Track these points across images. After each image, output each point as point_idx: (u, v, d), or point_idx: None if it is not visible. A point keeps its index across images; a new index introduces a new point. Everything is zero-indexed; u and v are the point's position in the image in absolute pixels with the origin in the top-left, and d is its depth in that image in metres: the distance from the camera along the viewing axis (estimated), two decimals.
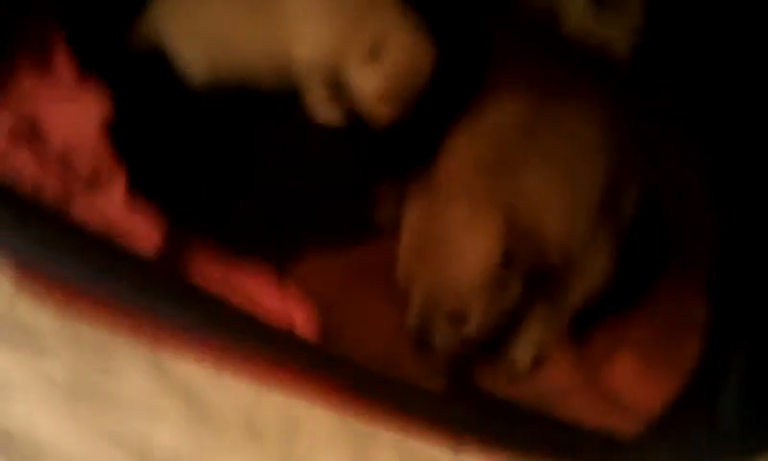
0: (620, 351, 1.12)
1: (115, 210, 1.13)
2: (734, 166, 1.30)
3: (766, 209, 1.19)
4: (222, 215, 1.29)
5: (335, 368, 0.99)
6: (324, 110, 1.51)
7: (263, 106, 1.48)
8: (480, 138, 1.04)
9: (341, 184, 1.37)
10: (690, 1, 1.54)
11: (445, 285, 0.92)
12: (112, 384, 1.01)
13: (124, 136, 1.27)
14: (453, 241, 0.92)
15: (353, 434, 1.03)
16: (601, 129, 1.05)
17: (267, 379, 1.04)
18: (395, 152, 1.39)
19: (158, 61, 1.48)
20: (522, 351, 1.07)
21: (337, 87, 1.48)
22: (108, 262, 1.02)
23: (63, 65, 1.31)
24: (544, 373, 1.09)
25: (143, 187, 1.22)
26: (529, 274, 0.94)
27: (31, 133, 1.20)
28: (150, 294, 1.01)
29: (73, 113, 1.26)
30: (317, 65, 1.47)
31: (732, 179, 1.28)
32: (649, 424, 1.01)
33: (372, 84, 1.39)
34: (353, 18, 1.42)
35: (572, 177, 1.00)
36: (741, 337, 1.04)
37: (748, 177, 1.26)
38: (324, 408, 1.03)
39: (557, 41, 1.69)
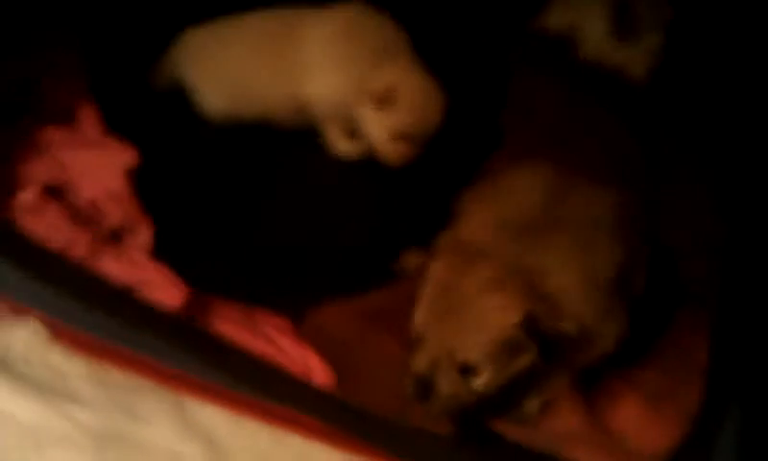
0: (626, 396, 1.16)
1: (142, 261, 1.19)
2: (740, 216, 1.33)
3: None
4: (241, 262, 1.34)
5: (347, 418, 1.04)
6: (341, 145, 1.57)
7: (280, 146, 1.55)
8: (503, 202, 1.09)
9: (358, 231, 1.43)
10: (706, 28, 1.58)
11: (463, 338, 0.96)
12: (139, 430, 1.07)
13: (148, 187, 1.35)
14: (476, 299, 0.96)
15: None
16: (618, 213, 1.10)
17: (283, 424, 1.09)
18: (415, 209, 1.44)
19: (178, 99, 1.56)
20: (531, 401, 1.11)
21: (353, 123, 1.54)
22: (133, 317, 1.09)
23: (89, 120, 1.39)
24: (553, 417, 1.13)
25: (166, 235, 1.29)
26: (544, 341, 0.97)
27: (60, 188, 1.27)
28: (173, 346, 1.08)
29: (99, 164, 1.33)
30: (333, 106, 1.53)
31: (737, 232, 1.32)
32: None
33: (382, 129, 1.45)
34: (368, 66, 1.48)
35: (590, 254, 1.04)
36: (738, 389, 1.07)
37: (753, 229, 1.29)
38: (337, 451, 1.08)
39: (574, 70, 1.73)
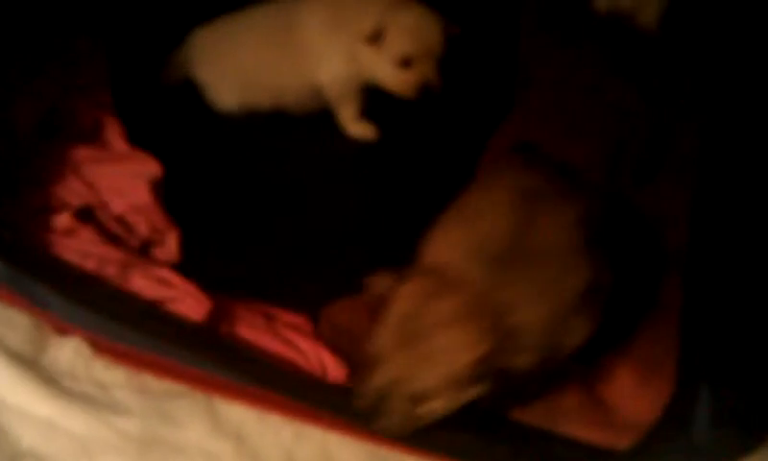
0: (618, 368, 1.24)
1: (168, 277, 1.30)
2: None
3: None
4: (261, 261, 1.44)
5: None
6: (355, 127, 1.64)
7: (294, 134, 1.62)
8: (471, 228, 1.13)
9: (374, 217, 1.53)
10: None
11: (422, 368, 1.01)
12: (175, 432, 1.18)
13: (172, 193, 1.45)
14: (439, 331, 1.01)
15: None
16: (585, 227, 1.13)
17: (305, 419, 1.20)
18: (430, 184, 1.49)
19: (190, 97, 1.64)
20: None
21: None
22: (162, 329, 1.20)
23: (114, 135, 1.49)
24: (548, 393, 1.22)
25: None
26: (500, 374, 1.03)
27: (91, 207, 1.37)
28: (199, 354, 1.19)
29: (126, 179, 1.44)
30: (343, 86, 1.60)
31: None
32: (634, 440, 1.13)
33: (385, 63, 1.51)
34: (355, 23, 1.53)
35: (559, 282, 1.08)
36: (711, 365, 1.14)
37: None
38: (356, 442, 1.19)
39: (587, 26, 1.75)
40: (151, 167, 1.45)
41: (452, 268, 1.06)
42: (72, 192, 1.38)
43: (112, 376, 1.24)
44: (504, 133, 1.64)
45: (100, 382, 1.23)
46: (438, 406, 1.02)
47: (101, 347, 1.25)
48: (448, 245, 1.13)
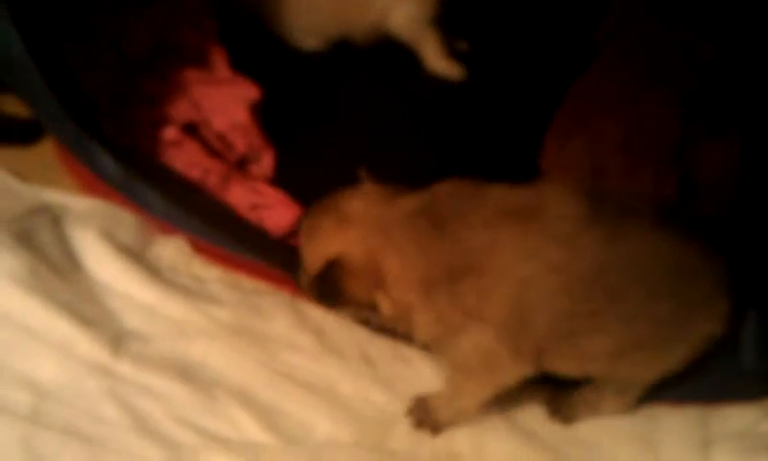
0: None
1: (262, 188, 1.41)
2: None
3: None
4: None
5: None
6: (441, 63, 1.69)
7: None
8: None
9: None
10: None
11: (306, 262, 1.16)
12: (264, 324, 1.30)
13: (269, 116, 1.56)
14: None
15: None
16: None
17: None
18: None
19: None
20: None
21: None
22: (254, 239, 1.32)
23: (219, 61, 1.60)
24: None
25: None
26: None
27: (196, 123, 1.50)
28: (286, 264, 1.29)
29: (228, 100, 1.55)
30: (425, 24, 1.66)
31: None
32: None
33: None
34: None
35: None
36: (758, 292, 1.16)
37: None
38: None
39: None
40: (250, 91, 1.56)
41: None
42: (179, 109, 1.51)
43: (208, 273, 1.36)
44: (582, 85, 1.66)
45: (197, 277, 1.35)
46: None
47: (199, 248, 1.37)
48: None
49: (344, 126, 1.64)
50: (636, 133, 1.52)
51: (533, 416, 1.25)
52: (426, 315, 1.10)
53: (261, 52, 1.70)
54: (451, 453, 1.19)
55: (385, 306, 1.12)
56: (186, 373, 1.22)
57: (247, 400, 1.19)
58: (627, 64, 1.62)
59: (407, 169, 1.42)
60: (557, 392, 1.25)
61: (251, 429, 1.16)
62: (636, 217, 1.07)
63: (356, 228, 1.10)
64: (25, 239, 1.30)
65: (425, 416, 1.20)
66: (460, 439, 1.20)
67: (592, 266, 1.03)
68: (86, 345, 1.21)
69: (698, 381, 1.19)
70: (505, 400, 1.22)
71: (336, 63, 1.73)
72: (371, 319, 1.17)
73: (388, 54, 1.72)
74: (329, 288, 1.11)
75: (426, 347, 1.22)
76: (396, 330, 1.19)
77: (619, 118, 1.54)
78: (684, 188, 1.47)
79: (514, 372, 1.11)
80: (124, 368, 1.21)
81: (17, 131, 1.54)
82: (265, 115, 1.56)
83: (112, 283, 1.30)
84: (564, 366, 1.12)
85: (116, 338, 1.24)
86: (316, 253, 1.12)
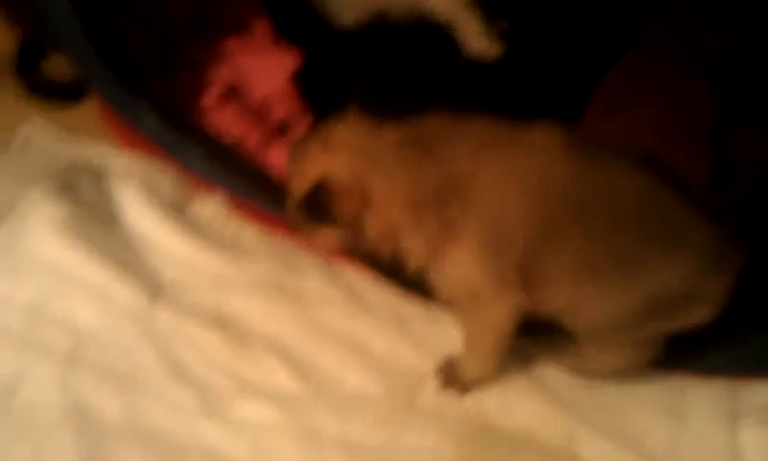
0: None
1: None
2: None
3: None
4: None
5: None
6: (479, 41, 1.70)
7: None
8: None
9: None
10: None
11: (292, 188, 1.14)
12: (298, 280, 1.33)
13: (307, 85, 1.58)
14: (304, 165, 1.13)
15: None
16: None
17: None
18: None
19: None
20: None
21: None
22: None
23: (261, 29, 1.63)
24: None
25: None
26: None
27: (237, 89, 1.53)
28: None
29: (269, 67, 1.57)
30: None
31: None
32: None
33: None
34: None
35: None
36: None
37: None
38: None
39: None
40: (291, 59, 1.58)
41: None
42: (221, 75, 1.53)
43: (246, 231, 1.39)
44: (624, 65, 1.67)
45: (235, 234, 1.38)
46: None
47: (237, 206, 1.40)
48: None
49: (379, 100, 1.64)
50: (675, 115, 1.52)
51: (561, 379, 1.25)
52: (414, 238, 1.11)
53: (302, 22, 1.71)
54: (479, 412, 1.20)
55: (371, 226, 1.11)
56: (221, 323, 1.25)
57: (280, 351, 1.22)
58: (668, 47, 1.62)
59: None
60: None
61: (283, 378, 1.19)
62: (618, 156, 1.10)
63: (342, 151, 1.11)
64: (68, 191, 1.34)
65: (453, 376, 1.21)
66: (488, 399, 1.21)
67: (565, 187, 1.06)
68: (125, 292, 1.24)
69: (728, 354, 1.19)
70: (534, 363, 1.24)
71: (375, 39, 1.74)
72: (357, 245, 1.16)
73: (426, 31, 1.73)
74: (316, 208, 1.11)
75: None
76: (381, 259, 1.17)
77: (659, 99, 1.54)
78: (719, 172, 1.47)
79: (500, 304, 1.12)
80: (161, 315, 1.24)
81: (63, 89, 1.57)
82: (304, 84, 1.58)
83: (152, 236, 1.34)
84: (539, 296, 1.12)
85: (154, 287, 1.27)
86: (302, 176, 1.13)
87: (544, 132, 1.10)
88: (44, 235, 1.28)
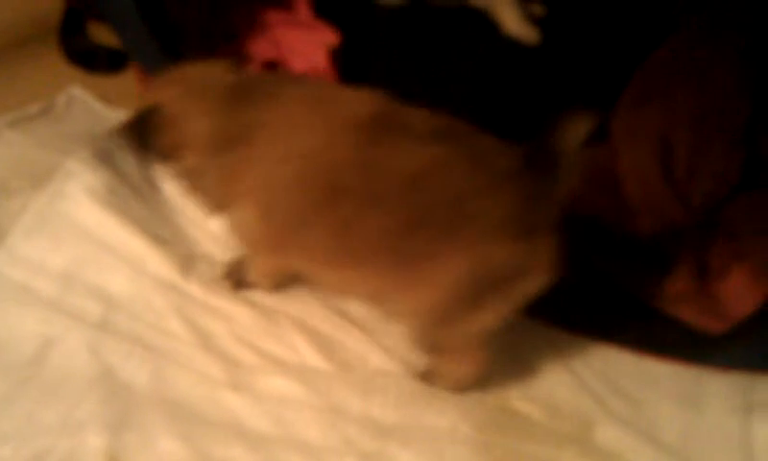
0: (734, 269, 1.27)
1: None
2: None
3: None
4: None
5: None
6: (518, 26, 1.68)
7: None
8: None
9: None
10: None
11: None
12: None
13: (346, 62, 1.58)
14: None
15: None
16: None
17: None
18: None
19: None
20: None
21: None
22: None
23: (302, 5, 1.62)
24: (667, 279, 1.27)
25: None
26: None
27: (276, 62, 1.53)
28: None
29: (308, 43, 1.58)
30: None
31: None
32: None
33: None
34: None
35: None
36: None
37: None
38: None
39: None
40: (330, 36, 1.58)
41: None
42: (260, 48, 1.54)
43: None
44: (660, 55, 1.62)
45: None
46: None
47: None
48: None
49: (416, 82, 1.64)
50: (708, 109, 1.50)
51: (581, 366, 1.25)
52: (213, 178, 1.13)
53: (343, 1, 1.70)
54: (498, 395, 1.20)
55: (186, 162, 1.14)
56: (250, 299, 1.26)
57: (305, 330, 1.23)
58: (704, 40, 1.59)
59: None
60: None
61: (308, 354, 1.20)
62: (418, 134, 1.04)
63: (178, 87, 1.12)
64: (106, 159, 1.36)
65: (239, 276, 1.26)
66: (508, 383, 1.22)
67: (337, 160, 1.04)
68: (157, 262, 1.26)
69: (746, 349, 1.20)
70: (555, 349, 1.25)
71: (414, 21, 1.72)
72: (181, 175, 1.19)
73: (466, 15, 1.71)
74: (140, 134, 1.13)
75: None
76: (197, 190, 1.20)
77: (694, 93, 1.51)
78: (749, 168, 1.45)
79: (268, 259, 1.19)
80: (192, 287, 1.25)
81: (105, 58, 1.59)
82: (342, 63, 1.58)
83: (186, 209, 1.35)
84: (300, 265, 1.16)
85: (186, 259, 1.29)
86: (140, 105, 1.14)
87: (356, 99, 1.08)
88: (81, 203, 1.30)
